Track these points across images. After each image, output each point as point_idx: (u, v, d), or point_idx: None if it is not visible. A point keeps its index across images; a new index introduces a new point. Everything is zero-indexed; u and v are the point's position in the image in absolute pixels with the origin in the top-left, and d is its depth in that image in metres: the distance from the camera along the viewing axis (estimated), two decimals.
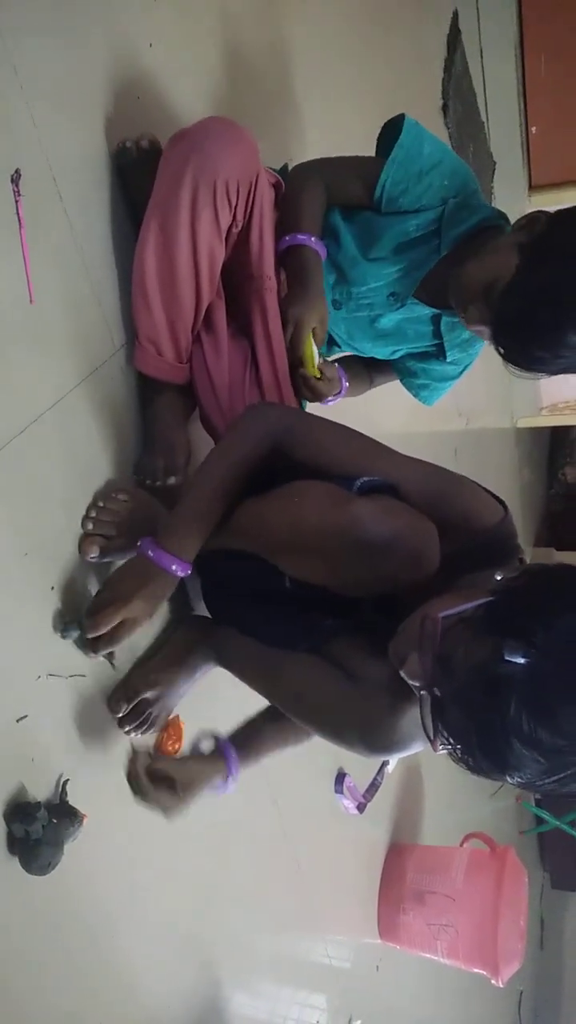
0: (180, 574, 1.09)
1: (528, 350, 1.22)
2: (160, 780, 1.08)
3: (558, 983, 5.31)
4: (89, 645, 1.10)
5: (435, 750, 0.92)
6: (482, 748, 0.87)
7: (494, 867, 2.36)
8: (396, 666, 0.98)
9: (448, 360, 1.52)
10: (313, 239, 1.31)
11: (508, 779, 0.88)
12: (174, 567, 1.08)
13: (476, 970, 2.33)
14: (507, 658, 0.83)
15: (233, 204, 1.15)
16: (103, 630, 1.08)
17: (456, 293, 1.31)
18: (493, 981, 2.32)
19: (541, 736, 0.83)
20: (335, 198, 1.38)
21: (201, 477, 1.15)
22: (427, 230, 1.35)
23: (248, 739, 1.22)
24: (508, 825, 4.22)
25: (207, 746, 1.25)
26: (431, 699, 0.91)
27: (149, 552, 1.08)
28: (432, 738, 0.91)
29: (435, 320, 1.46)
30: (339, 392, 1.41)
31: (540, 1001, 4.93)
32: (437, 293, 1.39)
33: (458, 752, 0.89)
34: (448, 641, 0.90)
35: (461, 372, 1.60)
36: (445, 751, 0.91)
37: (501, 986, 2.36)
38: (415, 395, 1.64)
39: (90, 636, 1.08)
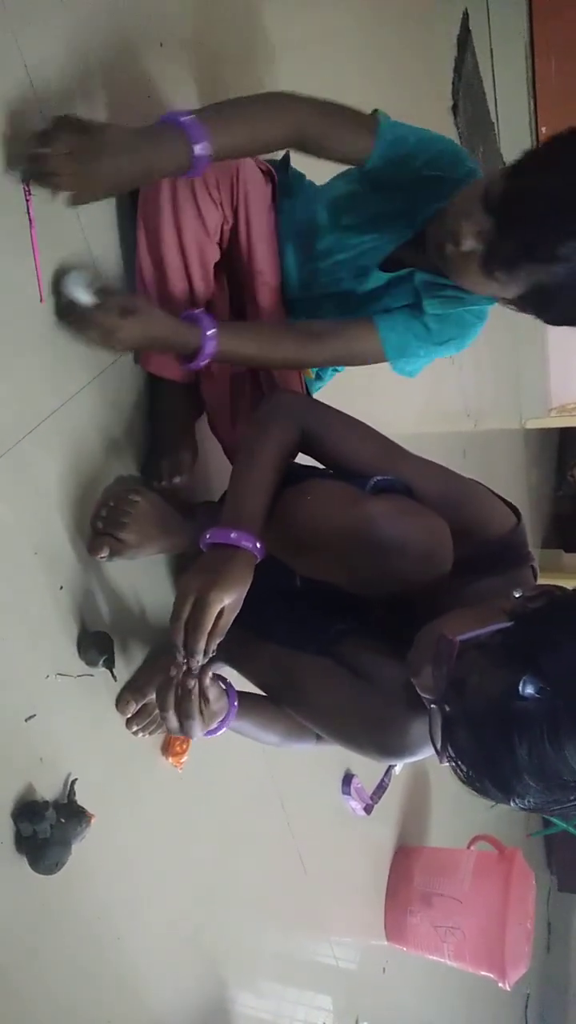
0: (259, 555, 1.01)
1: (533, 249, 1.07)
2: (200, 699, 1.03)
3: (565, 986, 5.29)
4: (190, 654, 0.98)
5: (440, 762, 0.92)
6: (489, 775, 0.87)
7: (501, 870, 2.35)
8: (411, 676, 0.98)
9: (427, 312, 1.32)
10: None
11: (511, 803, 0.88)
12: (248, 544, 0.99)
13: (483, 973, 2.33)
14: (521, 693, 0.83)
15: (217, 200, 1.15)
16: (202, 644, 0.97)
17: (443, 220, 1.16)
18: (500, 984, 2.31)
19: (549, 771, 0.83)
20: (326, 152, 1.19)
21: (244, 465, 1.09)
22: (404, 207, 1.23)
23: (248, 698, 1.16)
24: (515, 827, 4.20)
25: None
26: (441, 715, 0.91)
27: (231, 534, 1.00)
28: (439, 752, 0.91)
29: (408, 278, 1.30)
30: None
31: (547, 1004, 4.91)
32: (412, 256, 1.28)
33: (463, 771, 0.89)
34: (463, 665, 0.89)
35: (446, 343, 1.37)
36: (450, 766, 0.91)
37: (508, 989, 2.35)
38: (392, 363, 1.39)
39: (188, 651, 0.98)
